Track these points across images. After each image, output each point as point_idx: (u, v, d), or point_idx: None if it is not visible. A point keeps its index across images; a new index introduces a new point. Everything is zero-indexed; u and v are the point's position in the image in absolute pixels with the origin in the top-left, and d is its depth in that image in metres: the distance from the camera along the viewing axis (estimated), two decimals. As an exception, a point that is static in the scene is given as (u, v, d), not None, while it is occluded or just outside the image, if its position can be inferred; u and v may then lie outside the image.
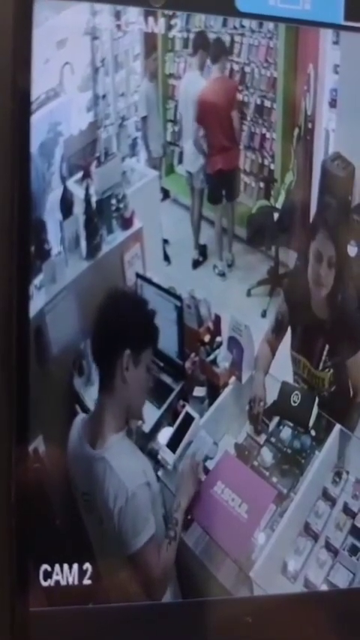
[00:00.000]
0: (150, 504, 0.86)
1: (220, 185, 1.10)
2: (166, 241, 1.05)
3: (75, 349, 0.92)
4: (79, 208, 0.94)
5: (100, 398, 0.88)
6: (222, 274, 1.08)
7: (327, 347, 1.00)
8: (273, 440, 1.00)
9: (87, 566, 0.79)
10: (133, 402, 0.90)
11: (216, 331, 1.03)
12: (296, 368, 1.04)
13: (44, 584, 0.77)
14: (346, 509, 0.96)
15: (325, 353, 1.00)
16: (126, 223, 0.99)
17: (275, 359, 1.04)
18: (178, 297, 0.98)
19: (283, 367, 1.03)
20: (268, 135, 1.09)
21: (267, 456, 0.99)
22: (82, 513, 0.86)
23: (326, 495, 0.98)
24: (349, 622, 0.85)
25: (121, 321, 0.88)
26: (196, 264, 1.10)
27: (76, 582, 0.79)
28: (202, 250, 1.11)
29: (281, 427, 1.01)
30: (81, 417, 0.89)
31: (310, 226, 0.99)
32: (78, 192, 0.94)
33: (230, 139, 1.08)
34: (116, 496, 0.83)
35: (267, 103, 1.07)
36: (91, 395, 0.93)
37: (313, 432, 0.99)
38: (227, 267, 1.09)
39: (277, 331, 1.03)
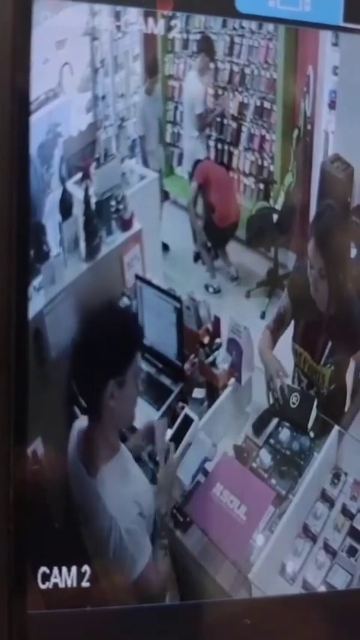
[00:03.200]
0: (145, 531, 0.85)
1: (227, 235, 1.10)
2: (165, 246, 1.05)
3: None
4: (78, 209, 0.93)
5: (89, 425, 0.86)
6: (217, 291, 1.08)
7: (329, 343, 1.00)
8: (272, 441, 1.00)
9: (85, 568, 0.79)
10: (123, 418, 0.88)
11: (215, 333, 1.03)
12: (297, 361, 1.03)
13: (42, 586, 0.77)
14: (345, 511, 0.96)
15: (327, 349, 1.00)
16: (125, 225, 0.98)
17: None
18: (178, 299, 0.98)
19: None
20: (267, 136, 1.08)
21: (266, 457, 0.99)
22: (80, 521, 0.85)
23: (325, 497, 0.98)
24: (348, 623, 0.85)
25: (99, 354, 0.84)
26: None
27: (74, 585, 0.78)
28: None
29: (280, 429, 1.00)
30: (79, 425, 0.86)
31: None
32: (77, 194, 0.93)
33: (235, 196, 1.10)
34: (109, 534, 0.82)
35: (266, 105, 1.07)
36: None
37: (311, 434, 0.99)
38: (232, 279, 1.09)
39: (279, 323, 1.03)
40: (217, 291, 1.07)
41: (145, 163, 1.03)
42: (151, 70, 0.99)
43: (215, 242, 1.10)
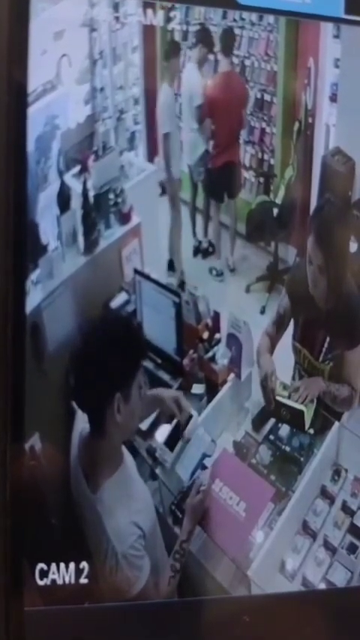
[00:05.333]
0: (144, 552, 0.83)
1: (222, 180, 1.09)
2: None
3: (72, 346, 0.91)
4: (76, 203, 0.92)
5: (93, 439, 0.84)
6: (220, 274, 1.07)
7: (328, 339, 0.99)
8: (271, 437, 0.99)
9: (83, 564, 0.78)
10: (129, 430, 0.87)
11: (215, 328, 1.02)
12: (297, 358, 1.03)
13: (40, 583, 0.76)
14: (345, 508, 0.96)
15: (325, 345, 0.99)
16: (124, 218, 0.97)
17: (274, 356, 1.03)
18: (177, 294, 0.98)
19: (281, 367, 1.02)
20: (267, 129, 1.08)
21: (265, 453, 0.98)
22: (78, 519, 0.85)
23: (325, 493, 0.97)
24: (348, 621, 0.84)
25: (107, 368, 0.81)
26: (205, 253, 1.09)
27: (72, 581, 0.78)
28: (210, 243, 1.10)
29: (279, 425, 1.00)
30: (81, 428, 0.85)
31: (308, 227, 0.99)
32: (75, 187, 0.92)
33: (237, 135, 1.07)
34: (106, 554, 0.81)
35: (267, 97, 1.06)
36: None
37: (311, 431, 0.99)
38: (230, 271, 1.08)
39: (278, 325, 1.02)
40: (219, 274, 1.06)
41: (168, 168, 1.03)
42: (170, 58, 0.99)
43: (211, 190, 1.09)
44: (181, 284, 1.01)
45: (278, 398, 0.98)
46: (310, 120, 1.03)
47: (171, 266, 1.04)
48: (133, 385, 0.83)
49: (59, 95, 0.86)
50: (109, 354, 0.82)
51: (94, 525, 0.82)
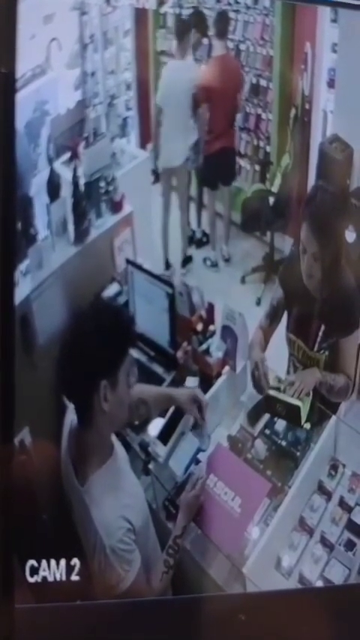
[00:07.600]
0: (134, 546, 0.82)
1: (217, 167, 1.07)
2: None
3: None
4: (66, 191, 0.92)
5: (81, 429, 0.82)
6: (214, 265, 1.06)
7: (322, 327, 0.98)
8: (267, 432, 0.98)
9: (75, 561, 0.78)
10: (118, 420, 0.85)
11: (209, 320, 1.01)
12: (291, 349, 1.01)
13: (30, 580, 0.76)
14: (342, 504, 0.95)
15: (320, 334, 0.98)
16: (116, 207, 0.97)
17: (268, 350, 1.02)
18: (170, 284, 0.97)
19: (275, 360, 1.01)
20: (263, 115, 1.06)
21: (261, 448, 0.97)
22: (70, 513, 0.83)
23: (322, 489, 0.96)
24: (345, 619, 0.83)
25: (93, 353, 0.80)
26: (199, 243, 1.08)
27: (63, 578, 0.78)
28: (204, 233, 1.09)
29: (275, 418, 0.99)
30: (71, 420, 0.84)
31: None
32: (65, 174, 0.92)
33: (232, 121, 1.06)
34: (94, 547, 0.80)
35: (263, 83, 1.05)
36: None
37: (307, 425, 0.97)
38: (224, 261, 1.07)
39: (272, 318, 1.01)
40: (214, 265, 1.05)
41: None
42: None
43: (205, 178, 1.07)
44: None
45: (273, 393, 0.96)
46: (307, 106, 1.02)
47: (168, 266, 1.04)
48: (120, 373, 0.81)
49: (49, 80, 0.85)
50: (93, 340, 0.80)
51: (82, 518, 0.81)
